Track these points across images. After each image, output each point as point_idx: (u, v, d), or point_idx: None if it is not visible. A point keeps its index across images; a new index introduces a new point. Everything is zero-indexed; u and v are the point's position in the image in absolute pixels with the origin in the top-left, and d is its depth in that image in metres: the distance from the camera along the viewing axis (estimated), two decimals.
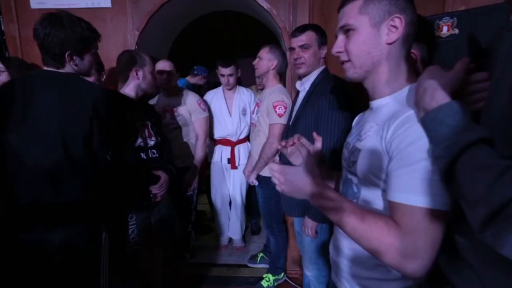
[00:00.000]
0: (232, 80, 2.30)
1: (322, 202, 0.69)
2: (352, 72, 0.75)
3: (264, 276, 2.19)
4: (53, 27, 1.10)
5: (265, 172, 1.98)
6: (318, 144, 0.86)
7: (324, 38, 1.48)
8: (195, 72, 2.91)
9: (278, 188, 0.73)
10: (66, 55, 1.14)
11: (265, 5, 1.96)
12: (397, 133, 0.63)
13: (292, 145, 0.96)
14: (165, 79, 2.06)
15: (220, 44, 4.11)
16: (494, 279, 0.53)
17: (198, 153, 2.21)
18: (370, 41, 0.70)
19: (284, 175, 0.71)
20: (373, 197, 0.71)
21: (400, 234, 0.61)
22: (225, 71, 2.25)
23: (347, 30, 0.73)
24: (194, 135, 2.23)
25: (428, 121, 0.56)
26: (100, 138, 1.15)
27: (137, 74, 1.51)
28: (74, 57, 1.17)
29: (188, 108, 2.16)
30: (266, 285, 2.14)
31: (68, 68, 1.17)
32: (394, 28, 0.68)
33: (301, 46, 1.46)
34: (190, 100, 2.17)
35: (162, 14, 2.09)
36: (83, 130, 1.11)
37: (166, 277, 1.95)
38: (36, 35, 1.12)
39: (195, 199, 2.30)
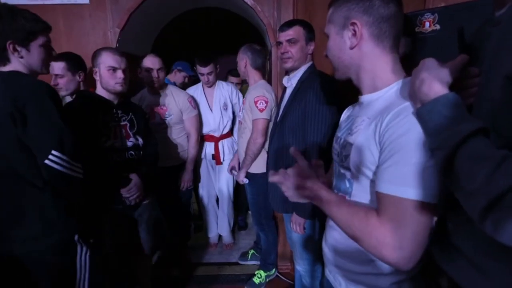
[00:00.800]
0: (211, 78, 2.27)
1: (318, 203, 0.73)
2: (335, 74, 0.80)
3: (256, 272, 2.20)
4: None
5: (252, 169, 1.98)
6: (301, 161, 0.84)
7: (311, 34, 1.48)
8: (173, 68, 2.72)
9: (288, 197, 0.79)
10: (8, 45, 1.06)
11: (249, 2, 1.94)
12: (390, 124, 0.63)
13: None
14: (156, 78, 1.98)
15: (204, 42, 4.05)
16: (490, 266, 0.54)
17: (192, 152, 2.20)
18: (337, 48, 0.75)
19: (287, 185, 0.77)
20: (366, 192, 0.72)
21: (379, 224, 0.62)
22: (204, 70, 2.22)
23: (327, 36, 0.78)
24: (184, 133, 2.20)
25: (425, 112, 0.56)
26: (36, 143, 1.05)
27: (95, 74, 1.45)
28: (18, 48, 1.08)
29: (180, 106, 2.11)
30: (258, 281, 2.16)
31: (15, 63, 1.09)
32: (354, 32, 0.71)
33: (288, 41, 1.46)
34: (181, 98, 2.12)
35: (143, 11, 2.03)
36: (9, 132, 1.02)
37: (157, 278, 1.92)
38: None
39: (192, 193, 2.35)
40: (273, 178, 0.79)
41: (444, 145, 0.51)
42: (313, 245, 1.57)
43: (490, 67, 0.54)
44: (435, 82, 0.56)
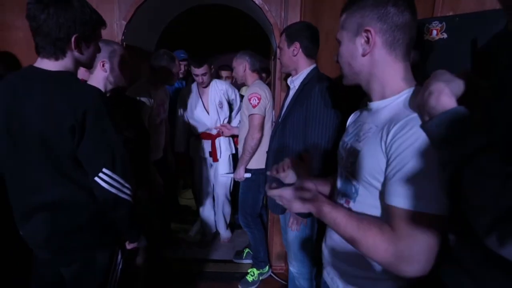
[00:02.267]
0: (206, 78, 2.31)
1: (320, 214, 0.74)
2: (344, 79, 0.80)
3: (249, 270, 2.21)
4: (59, 5, 0.90)
5: (255, 165, 2.02)
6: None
7: (291, 37, 1.47)
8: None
9: (289, 208, 0.79)
10: (73, 39, 0.93)
11: (257, 1, 1.94)
12: (397, 136, 0.63)
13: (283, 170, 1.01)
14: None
15: (209, 38, 4.04)
16: (489, 279, 0.54)
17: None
18: (349, 54, 0.75)
19: (286, 196, 0.78)
20: (371, 197, 0.72)
21: (395, 239, 0.62)
22: (198, 71, 2.26)
23: (339, 42, 0.78)
24: None
25: (433, 126, 0.56)
26: (88, 158, 0.96)
27: (103, 66, 1.38)
28: (80, 43, 0.96)
29: (168, 100, 2.26)
30: (251, 279, 2.16)
31: (69, 58, 0.96)
32: (367, 40, 0.70)
33: (278, 47, 1.58)
34: (168, 92, 2.31)
35: (150, 5, 2.03)
36: (66, 145, 0.93)
37: (151, 275, 1.93)
38: (33, 16, 0.89)
39: None
40: (271, 193, 0.80)
41: (452, 160, 0.51)
42: (308, 247, 1.58)
43: (503, 80, 0.53)
44: (443, 95, 0.55)
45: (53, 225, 1.01)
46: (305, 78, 1.47)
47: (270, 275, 2.26)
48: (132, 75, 1.59)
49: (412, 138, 0.61)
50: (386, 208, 0.66)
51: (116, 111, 1.46)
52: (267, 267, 2.25)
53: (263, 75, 3.04)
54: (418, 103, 0.62)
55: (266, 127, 2.00)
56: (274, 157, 1.59)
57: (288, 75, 1.63)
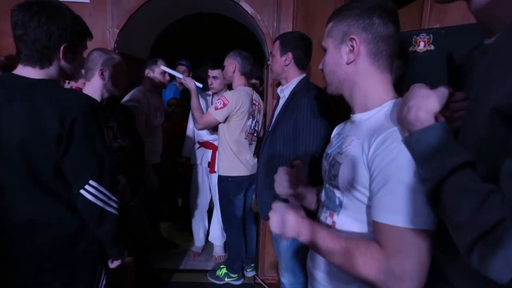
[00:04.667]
0: (216, 84, 2.26)
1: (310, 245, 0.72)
2: (328, 88, 0.80)
3: (221, 266, 2.27)
4: (52, 13, 0.88)
5: (221, 171, 2.10)
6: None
7: (286, 46, 1.47)
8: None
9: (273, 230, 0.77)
10: (62, 48, 0.92)
11: (250, 10, 1.96)
12: (379, 150, 0.63)
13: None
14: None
15: (203, 47, 4.07)
16: None
17: None
18: (334, 62, 0.75)
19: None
20: (355, 211, 0.71)
21: (386, 257, 0.60)
22: (210, 72, 2.26)
23: (324, 50, 0.78)
24: None
25: (413, 142, 0.56)
26: (74, 170, 0.92)
27: (102, 74, 1.39)
28: (68, 53, 0.94)
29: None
30: (217, 274, 2.24)
31: (55, 67, 0.94)
32: (352, 48, 0.71)
33: (270, 53, 1.58)
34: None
35: (143, 13, 2.04)
36: (49, 156, 0.89)
37: (141, 283, 1.89)
38: (21, 23, 0.86)
39: None
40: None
41: (431, 177, 0.51)
42: (300, 258, 1.56)
43: (477, 95, 0.53)
44: (421, 112, 0.55)
45: (32, 244, 0.95)
46: (294, 87, 1.48)
47: (261, 284, 2.23)
48: (128, 83, 1.59)
49: (394, 152, 0.60)
50: (373, 224, 0.65)
51: (111, 119, 1.47)
52: (237, 276, 2.24)
53: (257, 81, 3.04)
54: (398, 117, 0.62)
55: (240, 137, 2.02)
56: (265, 165, 1.58)
57: (280, 82, 1.63)
